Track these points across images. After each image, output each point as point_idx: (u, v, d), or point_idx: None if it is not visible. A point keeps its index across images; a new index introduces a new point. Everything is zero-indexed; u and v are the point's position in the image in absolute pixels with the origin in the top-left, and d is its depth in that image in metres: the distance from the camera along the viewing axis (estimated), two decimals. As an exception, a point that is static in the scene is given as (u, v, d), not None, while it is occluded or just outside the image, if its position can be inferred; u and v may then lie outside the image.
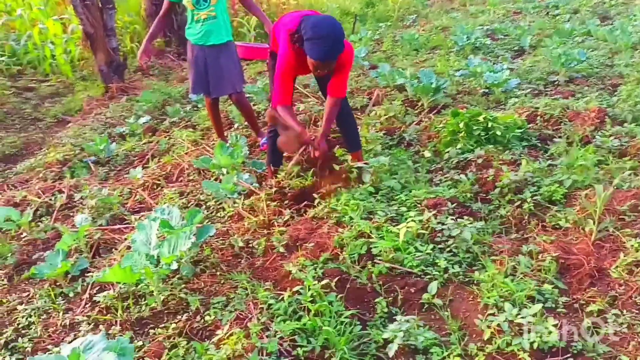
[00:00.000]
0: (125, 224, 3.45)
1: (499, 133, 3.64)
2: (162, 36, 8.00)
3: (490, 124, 3.68)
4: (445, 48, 6.72)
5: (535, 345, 2.05)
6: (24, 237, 3.42)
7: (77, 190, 3.97)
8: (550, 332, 2.07)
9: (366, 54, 6.67)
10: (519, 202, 3.00)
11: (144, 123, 5.19)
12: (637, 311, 2.21)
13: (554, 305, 2.28)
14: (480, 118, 3.71)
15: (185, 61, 7.51)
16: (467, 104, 4.59)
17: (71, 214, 3.68)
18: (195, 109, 5.63)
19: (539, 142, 3.74)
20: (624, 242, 2.57)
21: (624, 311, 2.21)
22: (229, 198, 3.41)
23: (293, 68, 3.06)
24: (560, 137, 3.73)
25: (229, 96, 4.19)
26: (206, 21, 3.88)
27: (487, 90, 4.87)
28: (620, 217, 2.75)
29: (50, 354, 2.25)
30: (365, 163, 3.33)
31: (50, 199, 3.87)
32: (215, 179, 3.73)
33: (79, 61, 7.35)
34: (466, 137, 3.71)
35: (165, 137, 4.88)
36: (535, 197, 2.99)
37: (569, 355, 2.03)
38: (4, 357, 2.41)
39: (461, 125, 3.74)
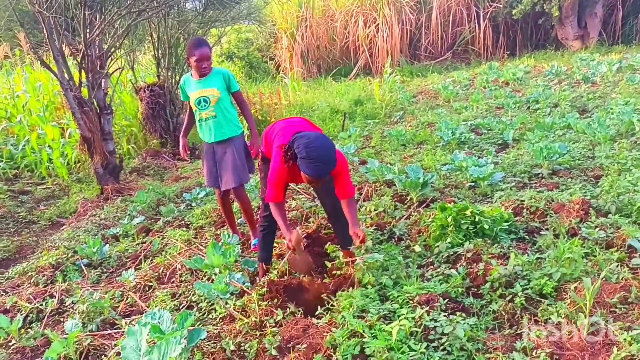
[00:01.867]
0: (115, 328, 3.41)
1: (486, 226, 3.72)
2: (159, 137, 8.27)
3: (477, 218, 3.76)
4: (432, 143, 6.96)
5: None
6: (12, 345, 3.35)
7: (69, 295, 3.95)
8: None
9: (355, 150, 6.90)
10: (510, 296, 3.01)
11: (137, 223, 5.24)
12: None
13: (551, 406, 2.24)
14: (468, 212, 3.80)
15: (180, 161, 7.79)
16: (454, 197, 4.70)
17: (62, 319, 3.64)
18: (189, 207, 5.71)
19: (526, 234, 3.80)
20: (617, 336, 2.56)
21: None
22: (221, 299, 3.39)
23: (285, 179, 3.26)
24: (546, 229, 3.80)
25: (233, 190, 4.30)
26: (207, 120, 4.11)
27: (473, 184, 5.01)
28: (611, 309, 2.76)
29: None
30: (357, 259, 3.34)
31: (41, 304, 3.84)
32: (208, 279, 3.73)
33: (76, 164, 7.53)
34: (455, 231, 3.77)
35: (159, 237, 4.92)
36: (526, 291, 3.00)
37: None
38: None
39: (449, 219, 3.81)
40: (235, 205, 4.89)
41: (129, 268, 4.29)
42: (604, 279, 2.92)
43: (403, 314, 2.81)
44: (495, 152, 6.19)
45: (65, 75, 5.98)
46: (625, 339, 2.51)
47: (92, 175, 6.85)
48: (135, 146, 8.31)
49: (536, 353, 2.52)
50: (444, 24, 15.66)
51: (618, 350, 2.44)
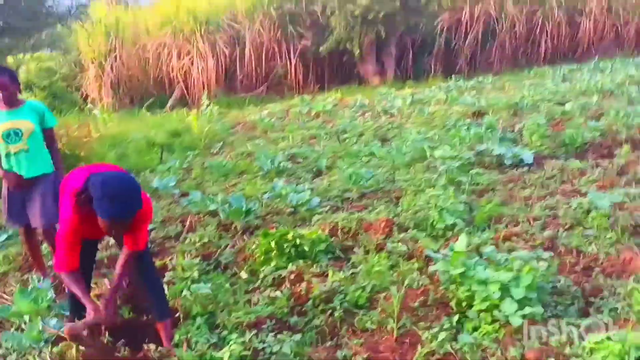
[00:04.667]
0: None
1: (306, 249, 3.98)
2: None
3: (298, 241, 4.00)
4: (252, 173, 7.16)
5: None
6: None
7: None
8: None
9: (175, 182, 6.80)
10: (330, 311, 3.27)
11: None
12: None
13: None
14: (289, 236, 4.03)
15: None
16: (276, 223, 4.92)
17: None
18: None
19: (341, 253, 4.14)
20: (420, 335, 2.94)
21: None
22: (34, 348, 3.12)
23: (77, 232, 2.75)
24: (358, 247, 4.18)
25: (42, 231, 3.98)
26: (18, 155, 3.78)
27: (293, 210, 5.28)
28: (414, 313, 3.16)
29: None
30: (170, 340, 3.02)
31: None
32: (17, 329, 3.39)
33: None
34: (278, 255, 3.97)
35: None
36: (343, 304, 3.29)
37: None
38: None
39: (272, 244, 4.00)
40: (45, 247, 4.52)
41: None
42: (407, 287, 3.33)
43: (233, 340, 2.89)
44: (311, 179, 6.60)
45: None
46: (427, 337, 2.90)
47: None
48: None
49: (355, 359, 2.79)
50: (257, 58, 16.25)
51: (422, 348, 2.82)
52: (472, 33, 16.16)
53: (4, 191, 4.02)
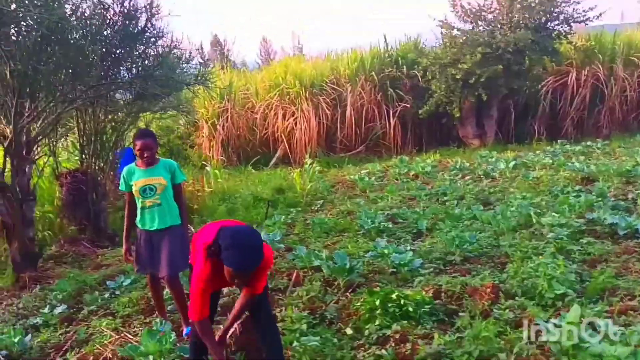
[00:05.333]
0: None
1: (411, 309, 4.04)
2: (76, 225, 8.09)
3: (402, 301, 4.08)
4: (353, 231, 7.35)
5: None
6: None
7: (-13, 389, 3.75)
8: None
9: (281, 237, 7.13)
10: (436, 374, 3.29)
11: (59, 313, 5.08)
12: None
13: None
14: (394, 296, 4.13)
15: (100, 248, 7.64)
16: (378, 282, 5.02)
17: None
18: (113, 296, 5.60)
19: (445, 316, 4.15)
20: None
21: None
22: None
23: (209, 282, 2.98)
24: (463, 311, 4.17)
25: (167, 277, 4.34)
26: (152, 208, 4.23)
27: (395, 270, 5.36)
28: (525, 382, 3.11)
29: None
30: None
31: (-44, 400, 3.61)
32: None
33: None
34: (382, 314, 4.06)
35: (84, 326, 4.80)
36: (450, 369, 3.31)
37: None
38: None
39: (377, 303, 4.11)
40: (166, 292, 4.91)
41: (53, 359, 4.14)
42: (516, 355, 3.29)
43: (341, 394, 3.00)
44: (411, 240, 6.66)
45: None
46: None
47: (6, 262, 6.55)
48: (52, 233, 8.05)
49: None
50: (357, 120, 16.74)
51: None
52: (579, 96, 15.69)
53: (137, 242, 4.47)
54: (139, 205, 4.34)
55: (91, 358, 4.06)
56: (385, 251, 5.62)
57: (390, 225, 7.33)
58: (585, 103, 15.75)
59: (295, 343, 3.66)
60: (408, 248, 5.83)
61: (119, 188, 4.52)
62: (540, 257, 4.88)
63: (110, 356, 4.03)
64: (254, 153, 16.49)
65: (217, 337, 3.18)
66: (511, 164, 10.96)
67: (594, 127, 15.91)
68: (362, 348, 3.78)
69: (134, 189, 4.27)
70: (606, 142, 13.64)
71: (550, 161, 10.94)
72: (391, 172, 12.58)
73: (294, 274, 5.38)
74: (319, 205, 9.86)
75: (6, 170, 6.16)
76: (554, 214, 6.39)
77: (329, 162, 15.71)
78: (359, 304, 4.36)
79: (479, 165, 11.76)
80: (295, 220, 8.52)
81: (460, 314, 4.12)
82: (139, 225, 4.38)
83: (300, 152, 15.83)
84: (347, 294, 4.85)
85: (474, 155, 13.70)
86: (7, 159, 6.17)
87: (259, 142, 16.66)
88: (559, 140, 14.31)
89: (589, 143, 13.34)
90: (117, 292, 5.64)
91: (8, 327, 4.78)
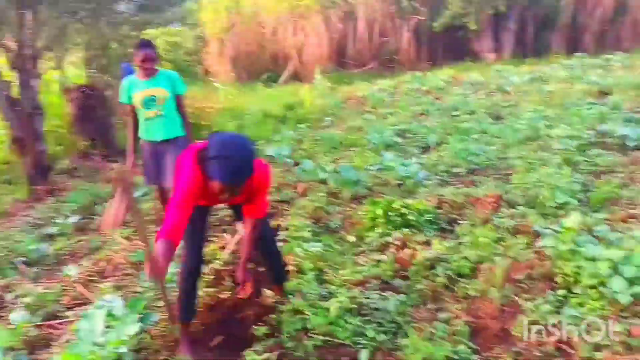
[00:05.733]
0: (61, 320, 3.48)
1: (412, 218, 4.10)
2: (87, 139, 8.17)
3: (404, 210, 4.14)
4: (361, 146, 7.34)
5: (455, 397, 2.35)
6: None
7: (8, 291, 3.96)
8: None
9: (289, 152, 7.16)
10: (433, 277, 3.38)
11: (73, 223, 5.24)
12: (536, 362, 2.58)
13: (466, 363, 2.61)
14: (396, 205, 4.18)
15: (111, 162, 7.75)
16: (383, 194, 5.07)
17: (3, 314, 3.65)
18: (125, 207, 5.75)
19: (447, 225, 4.22)
20: (522, 306, 2.98)
21: (526, 363, 2.57)
22: (167, 288, 3.54)
23: (194, 194, 2.54)
24: (464, 220, 4.23)
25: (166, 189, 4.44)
26: (155, 119, 4.24)
27: (400, 182, 5.39)
28: (518, 284, 3.19)
29: None
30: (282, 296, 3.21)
31: (-21, 301, 3.82)
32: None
33: (4, 165, 7.32)
34: (384, 223, 4.13)
35: (97, 235, 4.96)
36: (447, 272, 3.39)
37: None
38: None
39: (379, 212, 4.17)
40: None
41: (68, 264, 4.32)
42: (513, 259, 3.36)
43: (340, 294, 3.12)
44: (419, 154, 6.66)
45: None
46: (529, 308, 2.94)
47: (21, 176, 6.70)
48: (64, 147, 8.16)
49: (456, 322, 2.90)
50: (369, 34, 16.29)
51: (523, 317, 2.87)
52: (602, 8, 15.00)
53: (144, 154, 4.51)
54: (142, 117, 4.34)
55: (103, 263, 4.22)
56: (391, 164, 5.63)
57: (399, 140, 7.31)
58: (608, 15, 15.09)
59: (298, 249, 3.76)
60: (415, 161, 5.84)
61: (120, 100, 4.47)
62: (546, 167, 4.85)
63: (123, 261, 4.19)
64: (264, 69, 16.25)
65: (240, 268, 2.91)
66: (526, 78, 10.72)
67: (616, 40, 15.34)
68: (363, 254, 3.88)
69: (135, 100, 4.25)
70: (627, 55, 13.17)
71: (567, 74, 10.66)
72: (403, 87, 12.37)
73: (300, 186, 5.44)
74: (328, 122, 9.81)
75: (14, 84, 6.14)
76: (564, 125, 6.30)
77: (340, 78, 15.46)
78: (361, 213, 4.44)
79: (493, 80, 11.50)
80: (304, 136, 8.50)
81: (460, 222, 4.18)
82: (144, 137, 4.41)
83: (311, 68, 15.55)
84: (352, 205, 4.92)
85: (489, 70, 13.37)
86: (15, 72, 6.14)
87: (269, 58, 16.38)
88: (577, 54, 13.86)
89: (608, 56, 12.90)
90: (129, 204, 5.78)
91: (25, 236, 4.97)
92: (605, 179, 4.77)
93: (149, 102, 4.23)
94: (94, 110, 7.95)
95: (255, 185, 2.61)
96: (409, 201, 4.40)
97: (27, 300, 3.64)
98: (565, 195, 4.21)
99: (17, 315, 3.37)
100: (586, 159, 5.20)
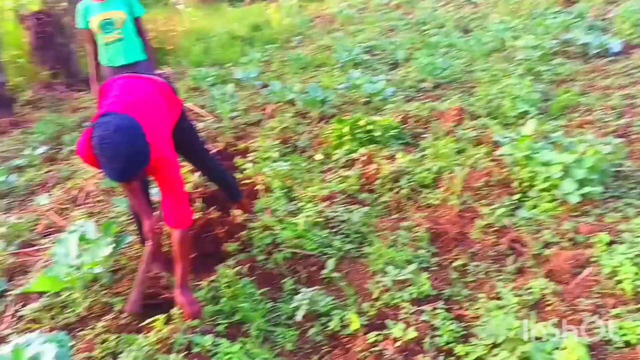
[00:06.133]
0: (37, 247, 3.56)
1: (378, 134, 4.18)
2: (50, 68, 7.94)
3: (370, 127, 4.21)
4: (329, 65, 7.29)
5: (414, 296, 2.53)
6: None
7: (-20, 223, 4.00)
8: (424, 284, 2.57)
9: (257, 74, 7.08)
10: (397, 189, 3.51)
11: (41, 154, 5.21)
12: (491, 261, 2.77)
13: (427, 265, 2.78)
14: (362, 122, 4.24)
15: (76, 92, 7.59)
16: (350, 112, 5.11)
17: (-23, 246, 3.72)
18: (93, 136, 5.70)
19: (411, 139, 4.32)
20: (480, 211, 3.14)
21: (481, 263, 2.76)
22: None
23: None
24: (428, 134, 4.33)
25: None
26: (115, 43, 4.11)
27: (367, 100, 5.43)
28: (477, 192, 3.34)
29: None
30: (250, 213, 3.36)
31: (-48, 234, 3.86)
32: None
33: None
34: (351, 140, 4.21)
35: (66, 164, 4.96)
36: (410, 184, 3.52)
37: (440, 300, 2.53)
38: None
39: (346, 130, 4.24)
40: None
41: (40, 194, 4.35)
42: (472, 168, 3.50)
43: (308, 208, 3.24)
44: (387, 70, 6.65)
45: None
46: (486, 213, 3.10)
47: (-19, 109, 6.55)
48: (25, 78, 7.92)
49: (417, 230, 3.06)
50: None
51: (480, 221, 3.04)
52: None
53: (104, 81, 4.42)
54: (100, 42, 4.21)
55: (75, 192, 4.26)
56: (358, 82, 5.63)
57: (367, 57, 7.26)
58: None
59: (266, 169, 3.84)
60: (382, 78, 5.84)
61: (77, 26, 4.31)
62: (509, 78, 4.93)
63: (94, 189, 4.24)
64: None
65: (177, 301, 2.56)
66: (495, -11, 10.51)
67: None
68: (330, 171, 3.98)
69: (92, 24, 4.11)
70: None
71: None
72: (373, 3, 12.07)
73: (268, 108, 5.45)
74: (296, 42, 9.63)
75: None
76: (529, 36, 6.31)
77: (308, -5, 14.98)
78: (329, 132, 4.50)
79: (462, -8, 11.27)
80: (272, 57, 8.37)
81: (424, 136, 4.28)
82: (104, 63, 4.30)
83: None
84: (319, 124, 4.96)
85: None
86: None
87: (233, -23, 15.68)
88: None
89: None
90: (96, 133, 5.73)
91: (-8, 169, 4.95)
92: (565, 87, 4.87)
93: (107, 25, 4.09)
94: (52, 38, 7.67)
95: (155, 169, 2.33)
96: (375, 118, 4.46)
97: (1, 230, 3.70)
98: (525, 104, 4.31)
99: (-7, 245, 3.43)
100: (548, 69, 5.27)
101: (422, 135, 4.33)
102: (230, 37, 10.00)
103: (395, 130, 4.30)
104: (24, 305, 2.88)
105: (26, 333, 2.55)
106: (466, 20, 8.83)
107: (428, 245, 2.93)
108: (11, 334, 2.67)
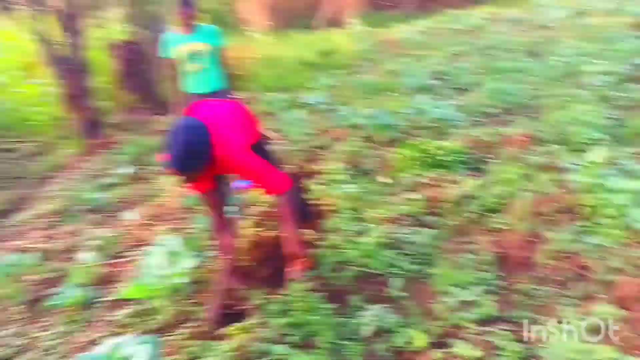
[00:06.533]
0: (124, 259, 3.89)
1: (444, 159, 4.28)
2: (134, 94, 8.53)
3: (437, 152, 4.32)
4: (396, 90, 7.43)
5: (479, 317, 2.61)
6: (31, 279, 3.81)
7: (74, 236, 4.40)
8: (489, 306, 2.64)
9: (326, 99, 7.32)
10: (463, 213, 3.59)
11: (127, 173, 5.64)
12: (556, 286, 2.81)
13: (492, 288, 2.85)
14: (428, 147, 4.37)
15: (157, 115, 8.11)
16: (417, 137, 5.23)
17: (71, 256, 4.09)
18: (173, 157, 6.10)
19: (478, 164, 4.37)
20: (545, 236, 3.18)
21: (546, 287, 2.80)
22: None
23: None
24: (495, 159, 4.38)
25: None
26: (198, 74, 4.47)
27: (434, 124, 5.51)
28: (543, 217, 3.37)
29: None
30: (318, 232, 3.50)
31: (50, 245, 4.27)
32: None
33: (56, 121, 7.78)
34: (417, 164, 4.33)
35: (150, 183, 5.35)
36: (476, 208, 3.59)
37: (505, 322, 2.59)
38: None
39: (412, 154, 4.37)
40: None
41: (127, 210, 4.73)
42: (539, 194, 3.53)
43: (374, 230, 3.39)
44: (454, 95, 6.72)
45: (44, 34, 6.23)
46: (552, 238, 3.14)
47: (74, 131, 7.14)
48: (112, 103, 8.56)
49: (482, 253, 3.14)
50: (405, -27, 15.89)
51: (546, 246, 3.08)
52: None
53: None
54: (184, 71, 4.58)
55: (159, 209, 4.60)
56: (425, 107, 5.75)
57: (435, 82, 7.36)
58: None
59: (334, 191, 4.03)
60: (449, 103, 5.93)
61: (160, 55, 4.71)
62: (579, 104, 4.90)
63: (177, 206, 4.56)
64: (299, 16, 16.15)
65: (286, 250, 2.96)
66: (567, 12, 10.39)
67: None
68: (397, 194, 4.11)
69: (177, 55, 4.48)
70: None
71: (609, 6, 10.27)
72: (441, 28, 12.18)
73: (336, 132, 5.66)
74: (364, 67, 9.86)
75: (62, 43, 6.48)
76: (600, 61, 6.22)
77: (376, 20, 15.24)
78: (395, 156, 4.63)
79: (533, 15, 11.19)
80: (341, 82, 8.61)
81: (491, 161, 4.33)
82: (188, 90, 4.66)
83: (346, 11, 15.38)
84: (386, 148, 5.11)
85: (530, 5, 12.95)
86: (62, 31, 6.47)
87: (303, 4, 16.24)
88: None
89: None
90: (176, 155, 6.12)
91: (84, 186, 5.41)
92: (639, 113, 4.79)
93: (192, 56, 4.45)
94: (137, 66, 8.27)
95: (226, 166, 2.63)
96: (442, 143, 4.56)
97: (93, 243, 4.08)
98: (595, 130, 4.29)
99: (86, 256, 3.79)
100: (621, 94, 5.19)
101: (488, 160, 4.39)
102: (300, 63, 10.37)
103: (462, 155, 4.38)
104: (114, 312, 3.19)
105: (116, 337, 2.83)
106: (536, 44, 8.76)
107: (493, 268, 3.00)
108: (103, 336, 2.95)
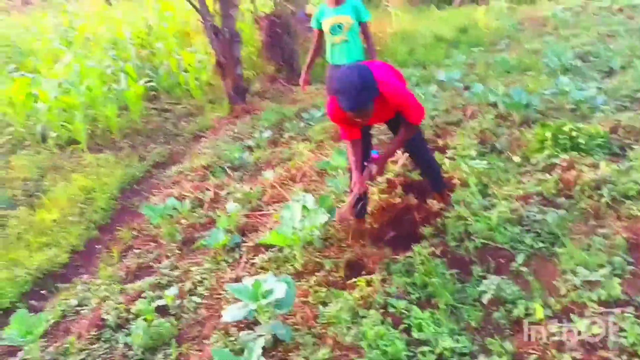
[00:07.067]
0: (263, 212, 4.30)
1: (582, 141, 4.15)
2: (276, 64, 9.06)
3: (574, 134, 4.20)
4: (536, 70, 7.17)
5: (602, 298, 2.61)
6: (185, 223, 4.36)
7: (220, 188, 4.91)
8: (615, 289, 2.62)
9: (460, 76, 7.27)
10: (597, 198, 3.50)
11: (267, 137, 6.11)
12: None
13: (621, 272, 2.80)
14: (566, 128, 4.25)
15: (294, 86, 8.56)
16: (555, 118, 5.07)
17: (218, 206, 4.60)
18: (308, 125, 6.47)
19: (619, 150, 4.18)
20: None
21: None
22: (346, 192, 4.15)
23: (340, 119, 3.09)
24: (638, 145, 4.16)
25: None
26: (340, 44, 4.73)
27: (574, 107, 5.31)
28: (686, 207, 3.20)
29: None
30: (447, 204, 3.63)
31: (200, 195, 4.82)
32: (335, 176, 4.49)
33: (207, 86, 8.53)
34: (552, 146, 4.24)
35: (286, 148, 5.76)
36: (612, 193, 3.48)
37: (630, 306, 2.56)
38: (188, 301, 3.26)
39: (548, 134, 4.28)
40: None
41: (265, 170, 5.17)
42: (684, 184, 3.34)
43: (501, 205, 3.43)
44: (600, 78, 6.36)
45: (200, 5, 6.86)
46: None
47: (221, 96, 7.81)
48: (255, 72, 9.17)
49: (614, 237, 3.07)
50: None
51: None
52: None
53: (328, 76, 5.04)
54: (328, 42, 4.84)
55: (293, 171, 4.97)
56: (567, 88, 5.53)
57: (579, 64, 7.00)
58: None
59: (463, 165, 4.10)
60: (593, 85, 5.64)
61: (310, 25, 5.03)
62: None
63: (308, 169, 4.90)
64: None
65: (374, 164, 3.28)
66: None
67: None
68: (528, 173, 4.08)
69: (324, 26, 4.75)
70: None
71: None
72: (591, 6, 11.39)
73: (469, 109, 5.65)
74: (503, 45, 9.56)
75: (216, 15, 7.09)
76: None
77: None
78: (530, 136, 4.56)
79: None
80: (477, 60, 8.46)
81: (634, 147, 4.12)
82: (329, 61, 4.93)
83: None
84: (521, 128, 5.02)
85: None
86: (217, 4, 7.07)
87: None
88: None
89: None
90: (311, 123, 6.49)
91: (229, 147, 5.96)
92: None
93: (336, 28, 4.70)
94: (280, 38, 8.76)
95: (390, 102, 2.98)
96: (581, 125, 4.40)
97: (236, 196, 4.54)
98: None
99: (231, 206, 4.24)
100: None
101: (631, 146, 4.18)
102: (436, 39, 10.29)
103: (602, 140, 4.21)
104: (254, 256, 3.58)
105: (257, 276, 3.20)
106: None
107: (624, 253, 2.93)
108: (245, 275, 3.35)
